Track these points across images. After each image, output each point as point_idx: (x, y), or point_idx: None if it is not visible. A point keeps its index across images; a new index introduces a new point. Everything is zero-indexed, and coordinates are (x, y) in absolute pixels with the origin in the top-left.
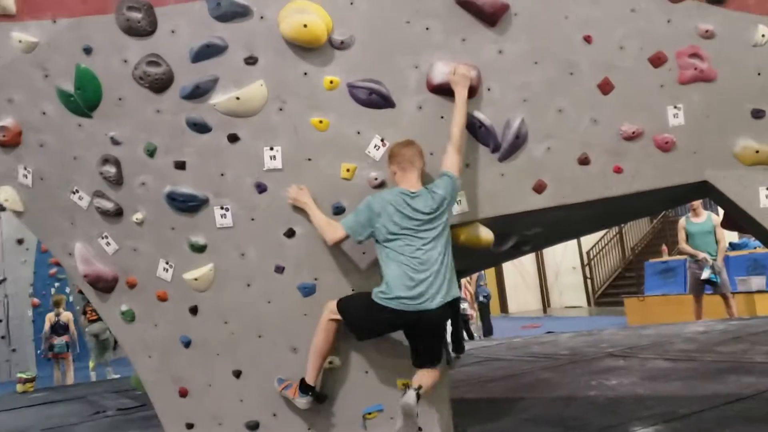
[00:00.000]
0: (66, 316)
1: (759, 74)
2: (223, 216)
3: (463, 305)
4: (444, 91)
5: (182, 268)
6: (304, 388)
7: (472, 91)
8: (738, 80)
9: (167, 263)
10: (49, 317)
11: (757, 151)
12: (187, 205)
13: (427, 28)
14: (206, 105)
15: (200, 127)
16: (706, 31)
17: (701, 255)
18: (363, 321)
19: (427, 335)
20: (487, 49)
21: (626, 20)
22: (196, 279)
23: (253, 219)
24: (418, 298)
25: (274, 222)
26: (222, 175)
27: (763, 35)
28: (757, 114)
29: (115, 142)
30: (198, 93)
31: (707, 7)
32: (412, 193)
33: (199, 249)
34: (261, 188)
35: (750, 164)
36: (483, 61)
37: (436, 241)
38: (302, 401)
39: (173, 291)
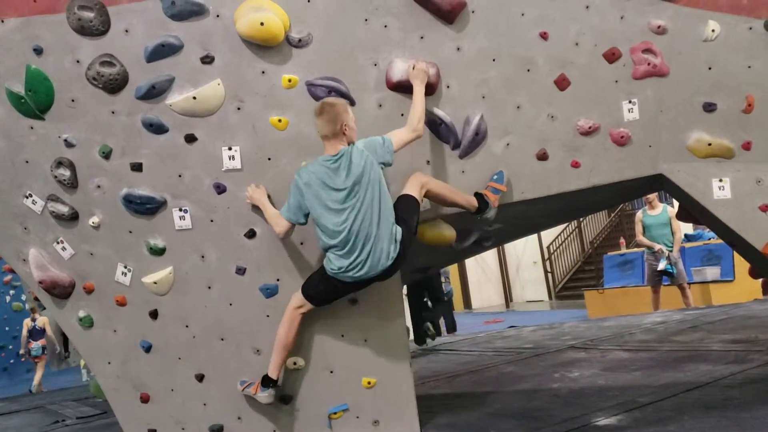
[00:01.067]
0: (42, 320)
1: (710, 69)
2: (182, 218)
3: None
4: (404, 88)
5: (141, 272)
6: (266, 381)
7: (431, 88)
8: (690, 75)
9: (125, 267)
10: (26, 322)
11: (710, 144)
12: (145, 207)
13: (385, 26)
14: (162, 105)
15: (156, 128)
16: (659, 27)
17: (657, 247)
18: (320, 291)
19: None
20: (446, 47)
21: (581, 17)
22: (155, 282)
23: (212, 220)
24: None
25: (234, 223)
26: (180, 176)
27: (713, 30)
28: (708, 107)
29: (68, 144)
30: (154, 93)
31: (659, 3)
32: (333, 156)
33: (158, 252)
34: (220, 189)
35: (703, 157)
36: (442, 58)
37: (363, 206)
38: (264, 395)
39: (132, 295)
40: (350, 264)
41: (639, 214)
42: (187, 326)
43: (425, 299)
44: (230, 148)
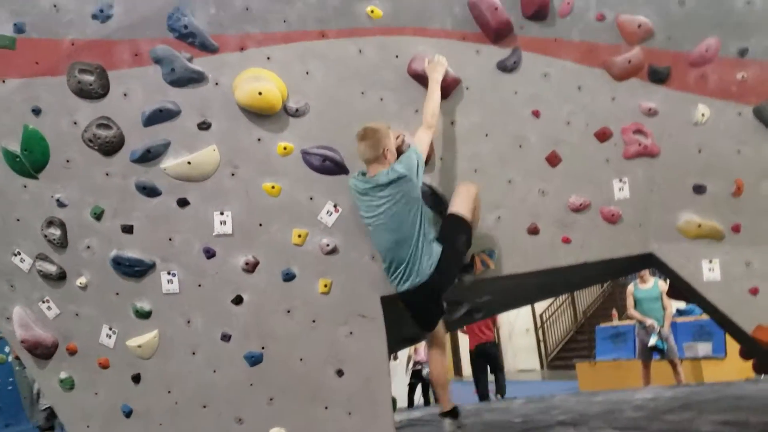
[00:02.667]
0: None
1: (700, 151)
2: (170, 281)
3: (427, 369)
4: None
5: (126, 335)
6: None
7: (425, 160)
8: (680, 156)
9: (110, 329)
10: None
11: (700, 225)
12: (133, 269)
13: (381, 99)
14: (157, 169)
15: (150, 191)
16: (650, 109)
17: (649, 322)
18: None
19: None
20: (440, 120)
21: (573, 97)
22: (139, 346)
23: (200, 285)
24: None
25: (222, 288)
26: (170, 239)
27: (703, 114)
28: (698, 189)
29: (60, 204)
30: (149, 157)
31: (650, 85)
32: (370, 179)
33: (144, 315)
34: (209, 253)
35: (693, 238)
36: (436, 131)
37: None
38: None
39: (115, 358)
40: (392, 277)
41: (630, 287)
42: (169, 392)
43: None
44: (222, 213)
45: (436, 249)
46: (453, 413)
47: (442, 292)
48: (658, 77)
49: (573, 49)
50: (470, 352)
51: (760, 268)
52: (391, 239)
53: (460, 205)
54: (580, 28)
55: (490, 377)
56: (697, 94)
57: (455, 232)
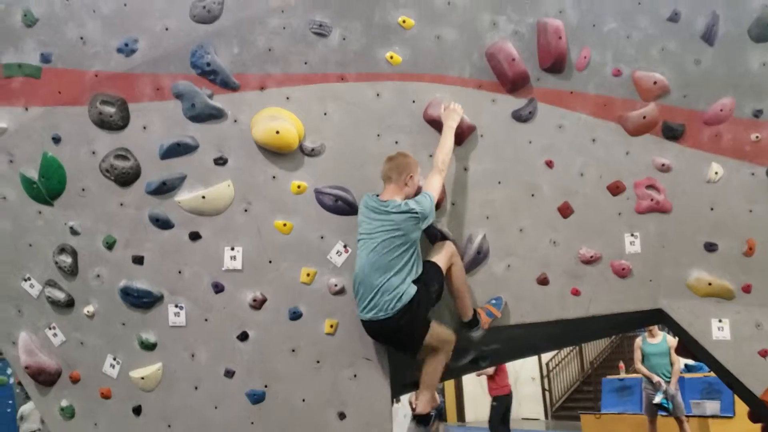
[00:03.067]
0: None
1: (712, 209)
2: (177, 314)
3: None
4: None
5: (129, 366)
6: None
7: (437, 205)
8: (692, 214)
9: (115, 359)
10: None
11: (710, 284)
12: (141, 300)
13: (396, 142)
14: (171, 201)
15: (163, 223)
16: (663, 165)
17: (656, 379)
18: None
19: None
20: (453, 166)
21: (587, 149)
22: (142, 378)
23: (206, 319)
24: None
25: (228, 324)
26: (179, 272)
27: (716, 173)
28: (710, 247)
29: (74, 231)
30: (164, 189)
31: (664, 142)
32: (381, 202)
33: (149, 347)
34: (218, 288)
35: (703, 296)
36: (448, 176)
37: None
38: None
39: (117, 389)
40: (358, 301)
41: (639, 340)
42: (169, 426)
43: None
44: (233, 249)
45: (410, 290)
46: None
47: (409, 332)
48: (673, 134)
49: (588, 102)
50: (494, 398)
51: None
52: (369, 263)
53: (438, 257)
54: (596, 82)
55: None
56: (711, 153)
57: (432, 278)
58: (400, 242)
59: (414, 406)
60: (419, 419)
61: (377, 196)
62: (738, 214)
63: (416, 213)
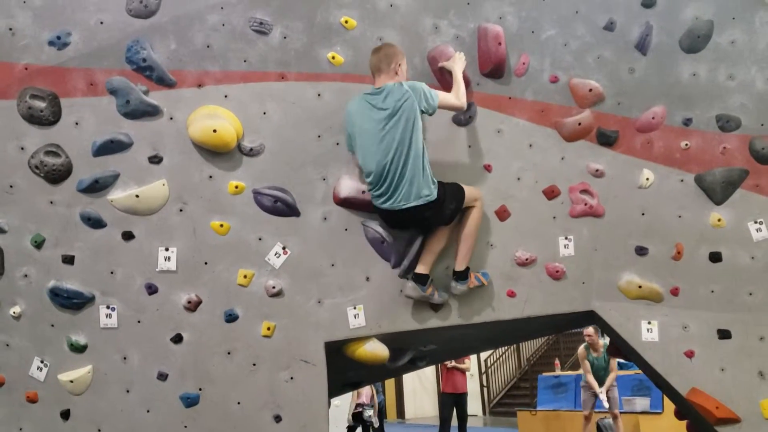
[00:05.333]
0: None
1: (643, 214)
2: (109, 316)
3: (368, 412)
4: (349, 204)
5: (58, 368)
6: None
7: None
8: (624, 218)
9: (42, 362)
10: None
11: (640, 286)
12: (71, 302)
13: (337, 144)
14: (103, 200)
15: (94, 222)
16: (597, 170)
17: (602, 396)
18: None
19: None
20: None
21: (524, 154)
22: (71, 381)
23: (139, 321)
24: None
25: (162, 326)
26: (112, 273)
27: (647, 179)
28: (640, 251)
29: (0, 230)
30: (96, 187)
31: (598, 148)
32: (376, 89)
33: (79, 349)
34: (151, 289)
35: (633, 298)
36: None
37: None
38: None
39: (45, 392)
40: (378, 195)
41: (583, 351)
42: (99, 430)
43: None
44: (167, 249)
45: (433, 187)
46: (421, 278)
47: (436, 219)
48: (606, 140)
49: (526, 108)
50: (444, 395)
51: (696, 332)
52: (385, 153)
53: (467, 188)
54: (534, 88)
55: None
56: (643, 159)
57: (455, 192)
58: (408, 125)
59: (356, 404)
60: (421, 278)
61: (368, 92)
62: (667, 220)
63: (407, 90)
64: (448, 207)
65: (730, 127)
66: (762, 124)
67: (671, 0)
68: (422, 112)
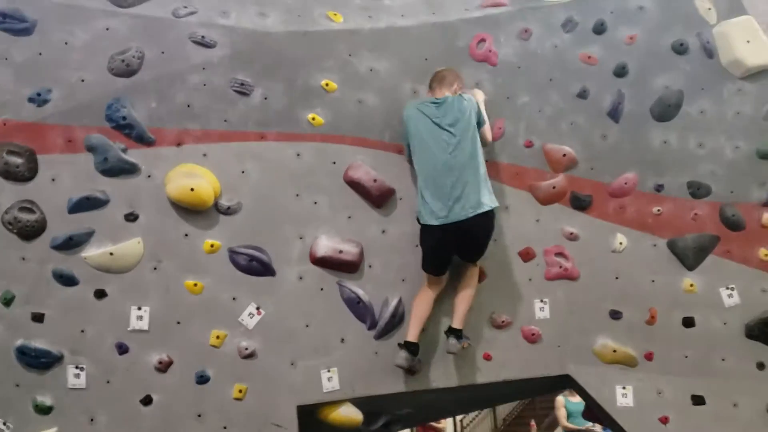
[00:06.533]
0: None
1: (617, 278)
2: (77, 376)
3: None
4: (326, 263)
5: (22, 431)
6: (406, 344)
7: (354, 267)
8: (598, 282)
9: (4, 424)
10: None
11: (615, 351)
12: (39, 361)
13: (315, 203)
14: (77, 257)
15: (67, 280)
16: (571, 234)
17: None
18: (426, 255)
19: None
20: (371, 228)
21: (500, 216)
22: None
23: (108, 381)
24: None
25: (132, 387)
26: (82, 331)
27: (621, 243)
28: (615, 315)
29: None
30: (70, 244)
31: (572, 211)
32: (437, 99)
33: (45, 410)
34: (122, 349)
35: (608, 362)
36: (366, 238)
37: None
38: (400, 354)
39: None
40: (440, 207)
41: (560, 399)
42: None
43: None
44: (140, 308)
45: (493, 197)
46: (412, 347)
47: (487, 234)
48: (580, 204)
49: (502, 170)
50: None
51: (670, 398)
52: (451, 160)
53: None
54: (510, 152)
55: None
56: (616, 224)
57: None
58: (472, 128)
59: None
60: (410, 347)
61: (429, 100)
62: (641, 284)
63: (469, 98)
64: (490, 238)
65: (700, 194)
66: (732, 192)
67: (642, 70)
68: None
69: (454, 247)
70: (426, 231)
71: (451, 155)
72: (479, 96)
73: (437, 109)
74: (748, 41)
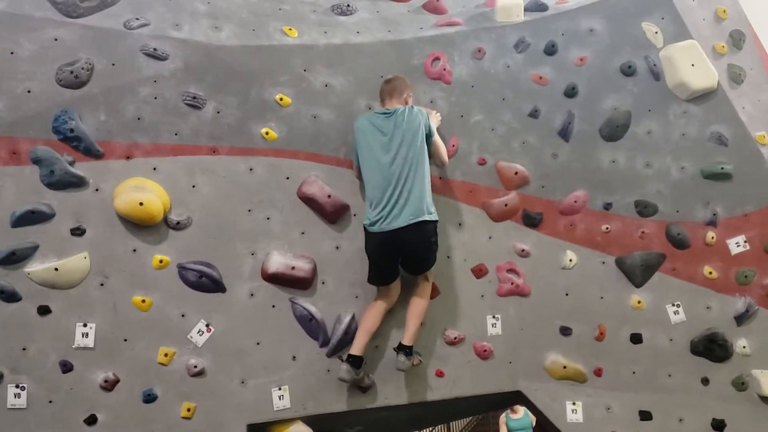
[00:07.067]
0: None
1: (567, 295)
2: (17, 395)
3: None
4: (278, 279)
5: None
6: (350, 358)
7: (306, 283)
8: (549, 298)
9: None
10: None
11: (565, 367)
12: None
13: (268, 218)
14: (19, 272)
15: (8, 296)
16: (522, 250)
17: None
18: (371, 265)
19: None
20: (325, 244)
21: (454, 233)
22: None
23: (51, 401)
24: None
25: (75, 406)
26: (24, 349)
27: (570, 260)
28: (565, 331)
29: None
30: (13, 259)
31: (524, 228)
32: (388, 110)
33: None
34: (66, 367)
35: (558, 378)
36: (320, 254)
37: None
38: (343, 367)
39: None
40: (379, 213)
41: (503, 417)
42: None
43: None
44: (85, 325)
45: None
46: (356, 361)
47: (430, 243)
48: (531, 222)
49: (456, 188)
50: None
51: (619, 413)
52: (392, 171)
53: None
54: (463, 170)
55: None
56: (566, 241)
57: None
58: (417, 142)
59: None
60: (353, 360)
61: (380, 111)
62: (590, 300)
63: (418, 113)
64: (436, 244)
65: (647, 213)
66: (677, 211)
67: (592, 91)
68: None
69: (396, 257)
70: (368, 237)
71: (395, 165)
72: (434, 117)
73: (386, 120)
74: (692, 65)
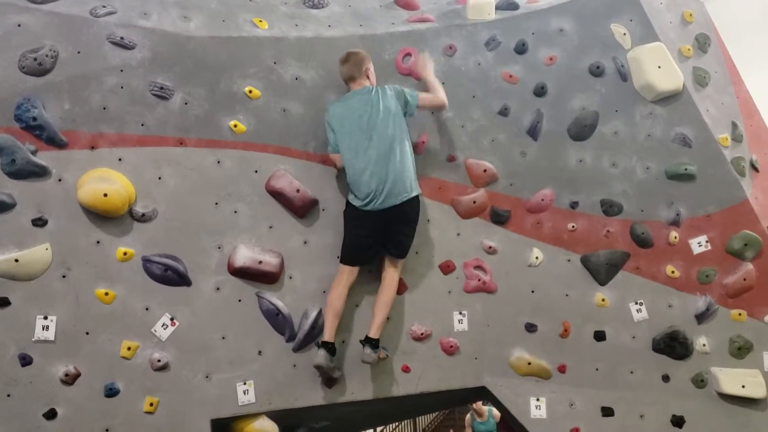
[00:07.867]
0: None
1: (533, 292)
2: None
3: None
4: (244, 274)
5: None
6: (324, 344)
7: (274, 277)
8: (515, 295)
9: None
10: None
11: (530, 363)
12: None
13: (235, 212)
14: None
15: None
16: (490, 247)
17: None
18: (349, 243)
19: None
20: (293, 239)
21: (422, 229)
22: None
23: (9, 395)
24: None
25: (34, 400)
26: None
27: (537, 257)
28: (530, 328)
29: None
30: None
31: (491, 226)
32: (360, 91)
33: None
34: (25, 360)
35: (523, 374)
36: (287, 249)
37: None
38: (320, 353)
39: None
40: (369, 194)
41: (468, 418)
42: None
43: None
44: (46, 318)
45: (416, 186)
46: (330, 347)
47: (413, 221)
48: (499, 219)
49: (425, 184)
50: None
51: (582, 409)
52: (374, 153)
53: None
54: (433, 166)
55: None
56: (533, 239)
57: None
58: (391, 122)
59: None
60: (328, 346)
61: (352, 94)
62: (555, 298)
63: (386, 89)
64: (414, 228)
65: (613, 212)
66: (642, 210)
67: (560, 90)
68: (404, 114)
69: (377, 236)
70: (359, 217)
71: (379, 145)
72: (427, 64)
73: (361, 102)
74: (659, 66)
